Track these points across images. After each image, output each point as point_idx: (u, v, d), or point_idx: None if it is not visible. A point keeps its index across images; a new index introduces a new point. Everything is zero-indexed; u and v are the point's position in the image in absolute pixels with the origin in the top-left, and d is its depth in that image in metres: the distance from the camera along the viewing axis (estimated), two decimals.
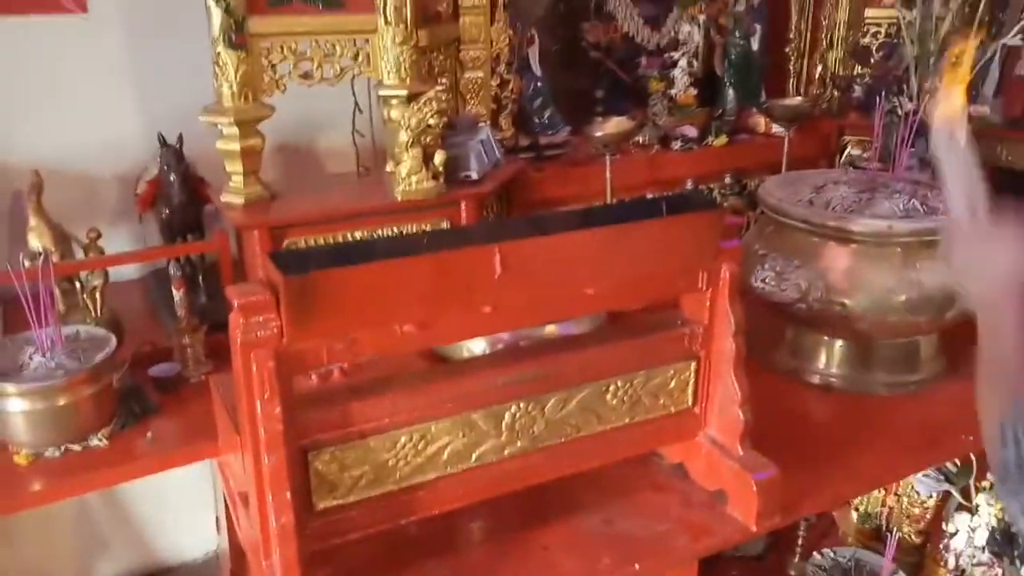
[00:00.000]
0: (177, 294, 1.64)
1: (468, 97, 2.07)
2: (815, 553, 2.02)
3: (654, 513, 1.27)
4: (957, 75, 1.01)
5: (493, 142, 1.91)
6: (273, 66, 1.72)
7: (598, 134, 1.97)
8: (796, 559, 2.14)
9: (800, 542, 2.15)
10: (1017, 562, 1.73)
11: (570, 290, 1.15)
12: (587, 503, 1.29)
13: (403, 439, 1.09)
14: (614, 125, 2.00)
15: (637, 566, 1.17)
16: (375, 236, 1.70)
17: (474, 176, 1.80)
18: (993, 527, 1.79)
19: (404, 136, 1.68)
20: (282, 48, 1.71)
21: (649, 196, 2.03)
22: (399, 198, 1.71)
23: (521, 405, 1.16)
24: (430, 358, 1.56)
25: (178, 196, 1.89)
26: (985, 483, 1.81)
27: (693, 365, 1.28)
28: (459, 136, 1.86)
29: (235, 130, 1.69)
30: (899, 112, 1.88)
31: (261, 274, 1.00)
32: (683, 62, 2.28)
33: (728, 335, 1.26)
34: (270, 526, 0.99)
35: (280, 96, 1.75)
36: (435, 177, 1.72)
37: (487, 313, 1.09)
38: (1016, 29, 1.95)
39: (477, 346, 1.48)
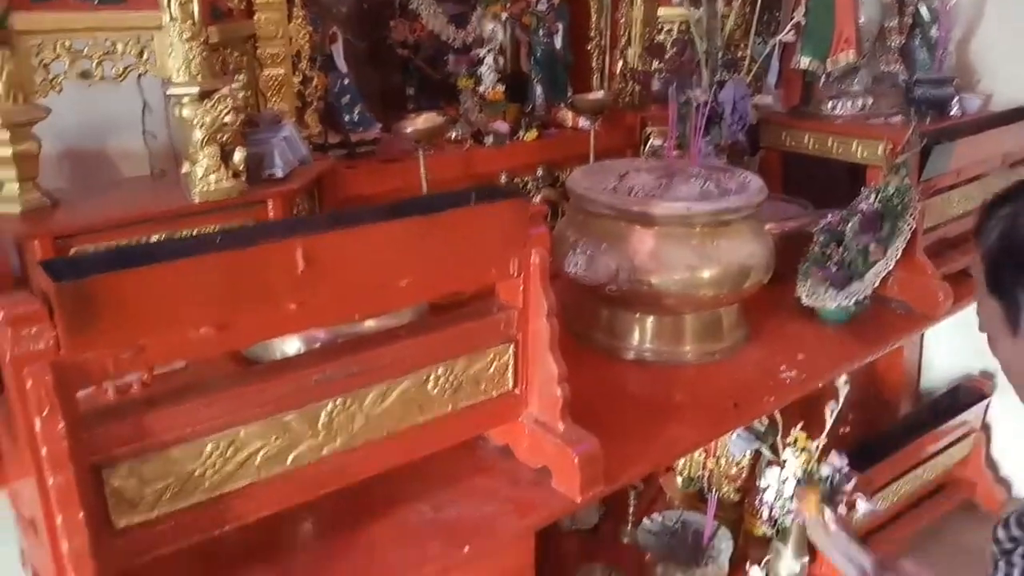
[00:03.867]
0: None
1: (269, 94, 1.99)
2: (645, 519, 2.10)
3: (481, 496, 1.28)
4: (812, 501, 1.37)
5: (298, 139, 1.85)
6: (46, 65, 1.57)
7: (408, 130, 1.95)
8: (628, 527, 2.22)
9: (631, 510, 2.23)
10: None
11: (382, 283, 1.13)
12: (413, 493, 1.28)
13: (209, 447, 1.03)
14: (424, 121, 1.99)
15: (466, 548, 1.16)
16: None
17: (279, 174, 1.72)
18: (799, 477, 1.92)
19: (198, 135, 1.59)
20: (55, 46, 1.57)
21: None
22: (197, 199, 1.61)
23: (338, 402, 1.13)
24: (242, 363, 1.49)
25: None
26: (790, 439, 1.95)
27: (511, 348, 1.29)
28: (261, 133, 1.78)
29: (5, 134, 1.54)
30: (692, 103, 1.98)
31: (32, 283, 0.91)
32: (489, 59, 2.30)
33: (542, 317, 1.28)
34: (62, 550, 0.90)
35: (58, 97, 1.61)
36: (236, 175, 1.64)
37: (292, 311, 1.05)
38: (789, 26, 2.12)
39: (291, 347, 1.43)
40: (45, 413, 0.87)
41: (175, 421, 0.99)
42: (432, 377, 1.21)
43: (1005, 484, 2.62)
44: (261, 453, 1.07)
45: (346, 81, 2.18)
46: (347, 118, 2.18)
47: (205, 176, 1.64)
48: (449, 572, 1.18)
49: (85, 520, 0.91)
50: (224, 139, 1.64)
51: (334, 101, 2.18)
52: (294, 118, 2.03)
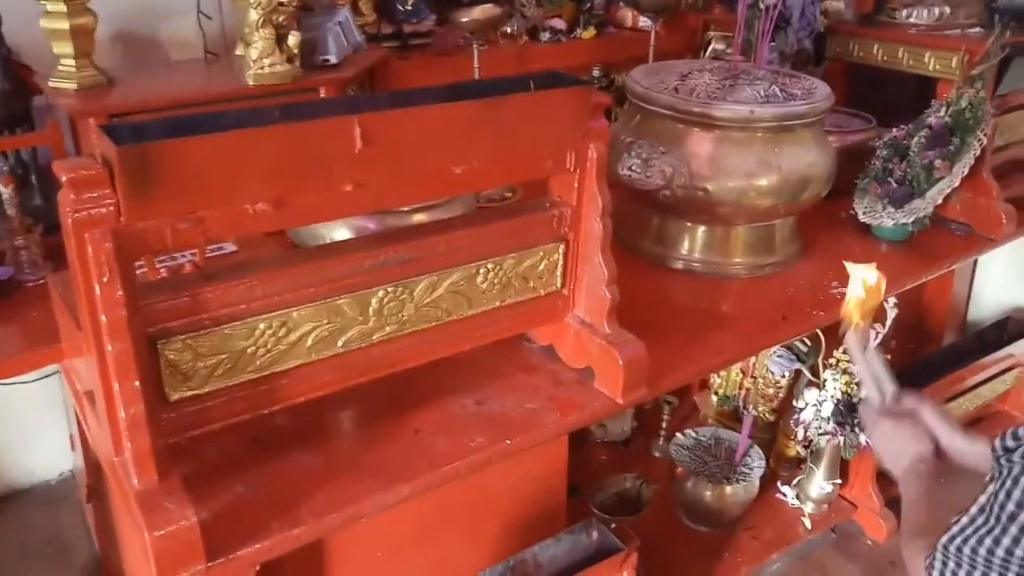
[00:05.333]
0: (5, 191, 1.49)
1: None
2: (677, 434, 2.11)
3: (525, 393, 1.29)
4: (866, 308, 1.16)
5: (353, 26, 1.81)
6: None
7: (464, 20, 1.90)
8: (660, 441, 2.24)
9: (664, 425, 2.25)
10: (857, 428, 1.87)
11: (437, 168, 1.11)
12: (458, 386, 1.29)
13: (262, 326, 1.04)
14: (481, 11, 1.93)
15: (508, 442, 1.18)
16: None
17: (333, 60, 1.70)
18: (838, 399, 1.91)
19: (254, 15, 1.57)
20: None
21: None
22: (251, 83, 1.60)
23: (389, 290, 1.13)
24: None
25: None
26: (832, 360, 1.93)
27: (562, 247, 1.28)
28: (316, 18, 1.75)
29: (61, 5, 1.52)
30: (760, 6, 1.89)
31: (95, 148, 0.91)
32: None
33: (595, 216, 1.26)
34: (119, 419, 0.93)
35: None
36: (290, 60, 1.62)
37: (348, 192, 1.03)
38: None
39: (340, 237, 1.42)
40: (105, 279, 0.88)
41: (230, 297, 1.00)
42: (482, 271, 1.20)
43: None
44: (312, 335, 1.08)
45: None
46: (401, 8, 2.13)
47: (259, 59, 1.62)
48: (491, 464, 1.19)
49: (141, 390, 0.93)
50: (279, 21, 1.62)
51: None
52: (348, 5, 1.99)
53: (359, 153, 1.01)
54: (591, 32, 2.27)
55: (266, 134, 0.95)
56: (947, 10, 2.23)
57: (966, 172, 1.72)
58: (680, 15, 2.45)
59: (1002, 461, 0.85)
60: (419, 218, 1.47)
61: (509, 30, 2.18)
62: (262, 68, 1.60)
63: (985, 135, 1.73)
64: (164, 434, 0.99)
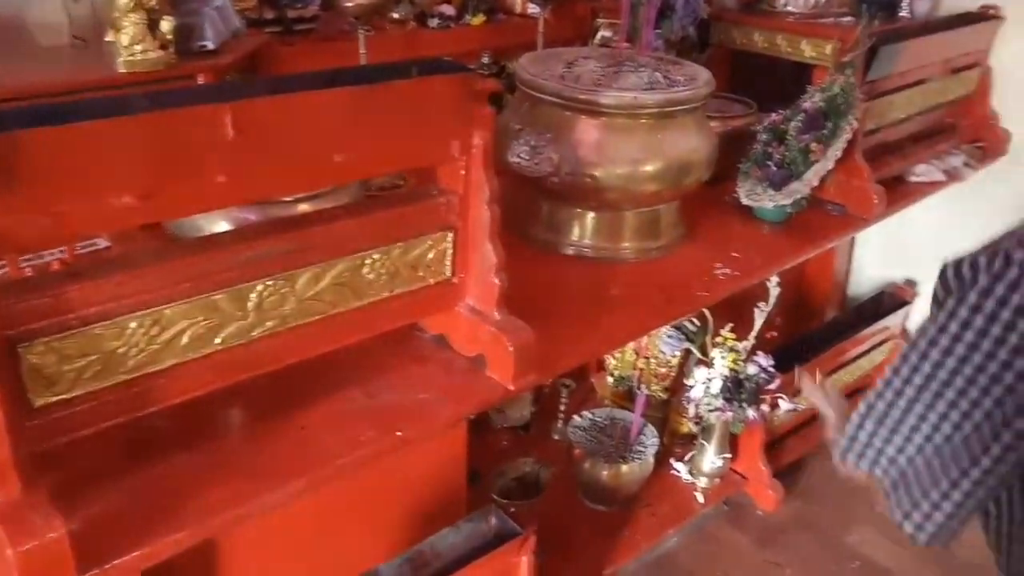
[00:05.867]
0: None
1: None
2: (575, 416, 2.14)
3: (416, 383, 1.28)
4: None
5: (232, 10, 1.75)
6: None
7: (349, 5, 1.85)
8: (559, 424, 2.27)
9: (562, 408, 2.28)
10: (744, 404, 1.94)
11: (316, 157, 1.08)
12: (347, 380, 1.27)
13: (133, 325, 0.99)
14: None
15: (399, 433, 1.17)
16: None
17: (210, 46, 1.63)
18: (725, 376, 1.98)
19: None
20: None
21: None
22: (122, 70, 1.52)
23: (269, 283, 1.09)
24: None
25: None
26: (719, 339, 2.00)
27: (450, 236, 1.27)
28: (191, 2, 1.67)
29: None
30: None
31: None
32: None
33: (483, 204, 1.25)
34: None
35: None
36: (164, 47, 1.55)
37: (221, 183, 1.00)
38: None
39: (219, 229, 1.37)
40: None
41: (97, 296, 0.95)
42: (368, 262, 1.18)
43: None
44: (188, 333, 1.04)
45: None
46: None
47: (131, 45, 1.54)
48: (382, 457, 1.18)
49: (1, 396, 0.88)
50: (151, 5, 1.54)
51: None
52: None
53: (231, 142, 0.97)
54: (480, 18, 2.26)
55: (130, 123, 0.91)
56: None
57: (839, 155, 1.80)
58: (569, 2, 2.46)
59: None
60: (304, 208, 1.43)
61: (397, 16, 2.14)
62: (133, 55, 1.53)
63: (856, 119, 1.81)
64: (29, 443, 0.94)
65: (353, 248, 1.16)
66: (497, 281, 1.27)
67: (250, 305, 1.08)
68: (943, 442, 0.84)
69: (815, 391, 1.23)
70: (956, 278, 0.83)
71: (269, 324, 1.11)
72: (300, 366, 1.17)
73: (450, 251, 1.27)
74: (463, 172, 1.23)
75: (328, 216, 1.17)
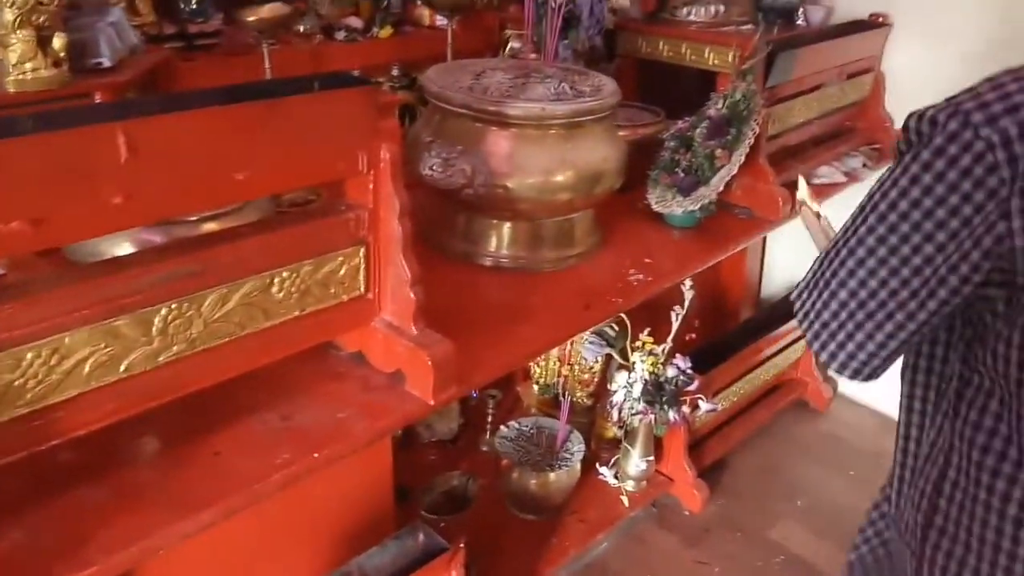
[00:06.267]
0: None
1: None
2: (501, 426, 2.14)
3: (333, 402, 1.25)
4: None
5: (128, 26, 1.69)
6: None
7: (251, 19, 1.82)
8: (487, 436, 2.26)
9: (489, 420, 2.28)
10: (666, 406, 1.97)
11: (216, 174, 1.05)
12: (261, 402, 1.24)
13: (30, 356, 0.95)
14: (269, 10, 1.86)
15: (316, 455, 1.14)
16: None
17: (106, 63, 1.58)
18: (646, 380, 2.01)
19: (9, 15, 1.43)
20: None
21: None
22: (11, 89, 1.45)
23: (174, 307, 1.06)
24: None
25: None
26: (638, 343, 2.03)
27: (362, 251, 1.25)
28: (85, 18, 1.62)
29: None
30: (552, 4, 1.94)
31: None
32: None
33: (394, 218, 1.24)
34: None
35: None
36: (56, 64, 1.49)
37: (117, 204, 0.96)
38: None
39: (123, 252, 1.33)
40: None
41: None
42: (277, 280, 1.15)
43: (831, 383, 2.85)
44: (90, 361, 1.00)
45: None
46: (184, 6, 2.01)
47: (20, 63, 1.48)
48: (300, 480, 1.15)
49: None
50: (41, 21, 1.48)
51: None
52: (123, 3, 1.86)
53: (126, 163, 0.94)
54: (388, 31, 2.24)
55: (18, 146, 0.87)
56: (722, 8, 2.39)
57: (743, 160, 1.85)
58: (477, 13, 2.47)
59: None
60: (210, 227, 1.39)
61: (302, 29, 2.11)
62: (23, 73, 1.46)
63: (758, 124, 1.87)
64: None
65: (261, 267, 1.13)
66: (412, 295, 1.25)
67: (155, 330, 1.04)
68: (879, 286, 0.87)
69: (810, 215, 1.32)
70: (916, 133, 0.85)
71: (176, 349, 1.07)
72: (213, 389, 1.13)
73: (362, 266, 1.26)
74: (371, 186, 1.22)
75: (234, 235, 1.14)
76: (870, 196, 0.89)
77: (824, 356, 0.93)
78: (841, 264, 0.90)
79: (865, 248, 0.87)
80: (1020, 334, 0.84)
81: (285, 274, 1.17)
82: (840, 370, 0.92)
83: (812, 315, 0.94)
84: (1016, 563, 0.89)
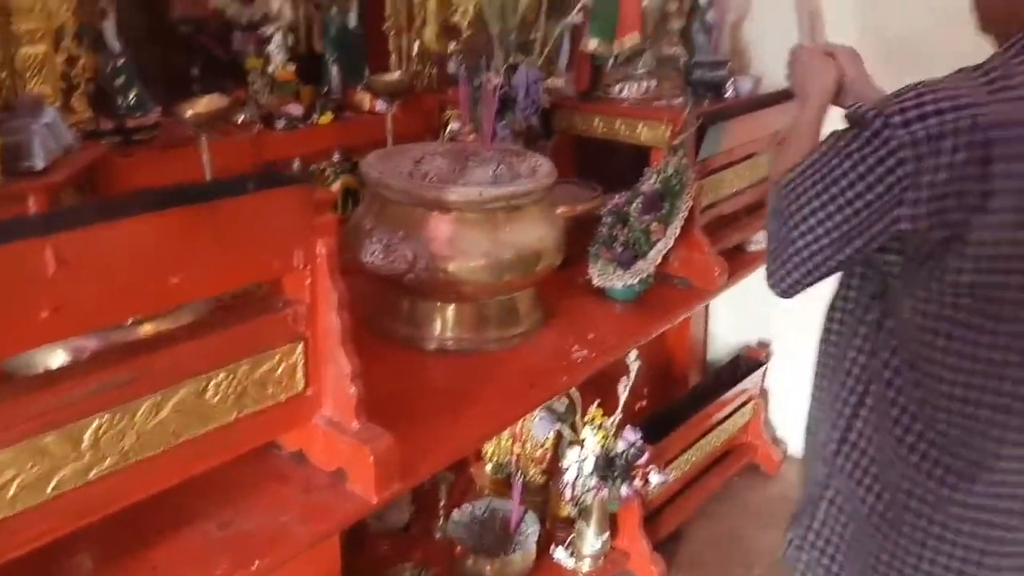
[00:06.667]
0: None
1: (28, 76, 1.80)
2: (454, 511, 2.11)
3: (273, 506, 1.22)
4: None
5: (62, 125, 1.68)
6: None
7: (188, 114, 1.83)
8: (441, 522, 2.21)
9: (442, 504, 2.23)
10: (618, 481, 1.96)
11: (150, 281, 1.04)
12: (200, 510, 1.20)
13: None
14: (206, 104, 1.87)
15: (256, 564, 1.11)
16: None
17: (39, 165, 1.56)
18: (597, 455, 2.01)
19: None
20: None
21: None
22: None
23: (105, 418, 1.03)
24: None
25: None
26: (588, 417, 2.03)
27: (300, 347, 1.24)
28: (17, 120, 1.60)
29: None
30: (488, 86, 1.99)
31: None
32: (278, 38, 2.20)
33: (332, 311, 1.24)
34: None
35: None
36: None
37: (46, 318, 0.95)
38: (577, 8, 2.18)
39: (55, 360, 1.29)
40: None
41: None
42: (213, 384, 1.14)
43: (781, 445, 2.87)
44: (16, 483, 0.96)
45: (120, 61, 2.01)
46: (122, 101, 2.01)
47: None
48: None
49: None
50: None
51: (106, 83, 2.00)
52: (58, 102, 1.85)
53: (54, 276, 0.93)
54: (328, 117, 2.26)
55: None
56: (653, 84, 2.46)
57: (678, 233, 1.89)
58: (417, 96, 2.51)
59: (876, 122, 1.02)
60: (147, 329, 1.37)
61: (241, 119, 2.12)
62: None
63: (691, 198, 1.92)
64: None
65: (196, 371, 1.12)
66: (353, 390, 1.24)
67: (85, 444, 1.02)
68: (807, 231, 1.10)
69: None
70: (851, 122, 1.07)
71: (108, 462, 1.04)
72: (149, 500, 1.10)
73: (301, 363, 1.25)
74: (308, 281, 1.22)
75: (168, 340, 1.12)
76: (823, 154, 1.10)
77: (774, 278, 1.19)
78: (797, 203, 1.12)
79: (813, 197, 1.09)
80: (910, 297, 1.08)
81: (221, 376, 1.15)
82: (780, 288, 1.18)
83: (772, 237, 1.19)
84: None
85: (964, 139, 0.95)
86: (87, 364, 1.06)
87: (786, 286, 1.17)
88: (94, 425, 1.02)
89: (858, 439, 1.19)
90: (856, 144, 1.03)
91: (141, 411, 1.06)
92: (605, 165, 2.51)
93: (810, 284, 1.15)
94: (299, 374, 1.25)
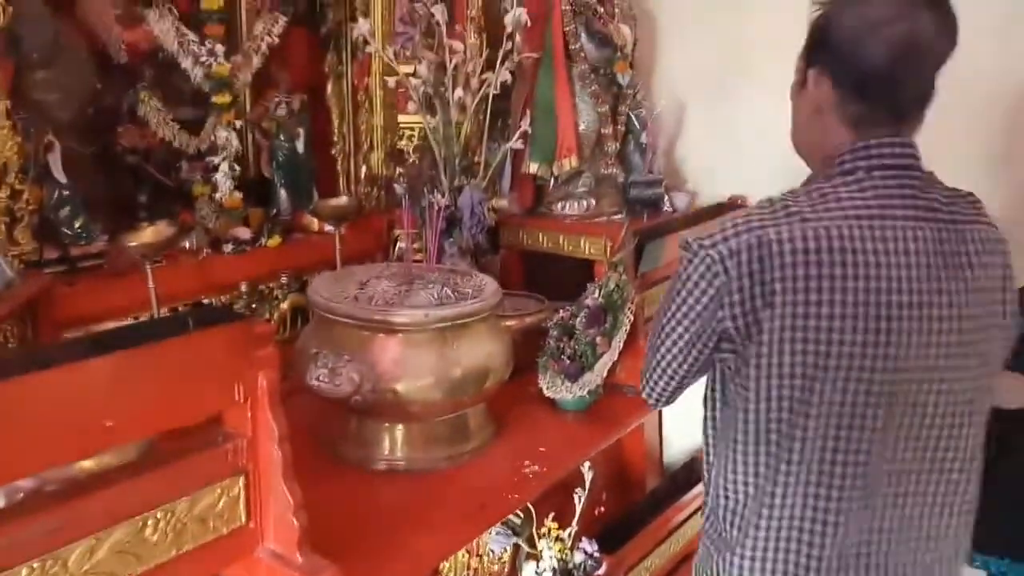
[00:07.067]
0: None
1: None
2: None
3: None
4: None
5: (4, 263, 1.69)
6: None
7: (133, 244, 1.84)
8: None
9: None
10: None
11: (83, 426, 1.04)
12: None
13: None
14: (152, 233, 1.88)
15: None
16: None
17: None
18: (555, 567, 1.98)
19: None
20: None
21: (182, 308, 1.97)
22: None
23: (35, 566, 1.01)
24: None
25: None
26: (544, 529, 2.01)
27: (241, 480, 1.23)
28: None
29: None
30: (434, 207, 2.05)
31: None
32: (224, 167, 2.25)
33: (274, 443, 1.24)
34: None
35: None
36: None
37: None
38: (517, 135, 2.28)
39: None
40: None
41: None
42: (151, 522, 1.12)
43: None
44: None
45: (65, 192, 2.04)
46: (67, 231, 2.03)
47: None
48: None
49: None
50: None
51: (51, 214, 2.02)
52: (2, 236, 1.86)
53: None
54: (276, 240, 2.29)
55: None
56: (593, 202, 2.56)
57: (622, 346, 1.93)
58: (365, 217, 2.57)
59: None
60: (87, 465, 1.35)
61: (188, 245, 2.14)
62: None
63: (632, 311, 1.97)
64: None
65: (133, 511, 1.10)
66: (296, 522, 1.23)
67: None
68: (671, 344, 1.33)
69: None
70: (685, 250, 1.29)
71: None
72: None
73: (242, 496, 1.24)
74: (249, 414, 1.22)
75: (103, 481, 1.11)
76: (669, 287, 1.34)
77: (645, 391, 1.45)
78: (657, 326, 1.38)
79: (665, 319, 1.34)
80: (744, 381, 1.28)
81: (160, 514, 1.13)
82: (652, 398, 1.44)
83: (644, 368, 1.44)
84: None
85: (755, 253, 1.20)
86: (13, 512, 1.04)
87: (656, 395, 1.43)
88: (23, 574, 0.99)
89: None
90: (684, 267, 1.29)
91: (75, 555, 1.04)
92: (551, 275, 2.58)
93: (677, 390, 1.41)
94: (240, 507, 1.23)
